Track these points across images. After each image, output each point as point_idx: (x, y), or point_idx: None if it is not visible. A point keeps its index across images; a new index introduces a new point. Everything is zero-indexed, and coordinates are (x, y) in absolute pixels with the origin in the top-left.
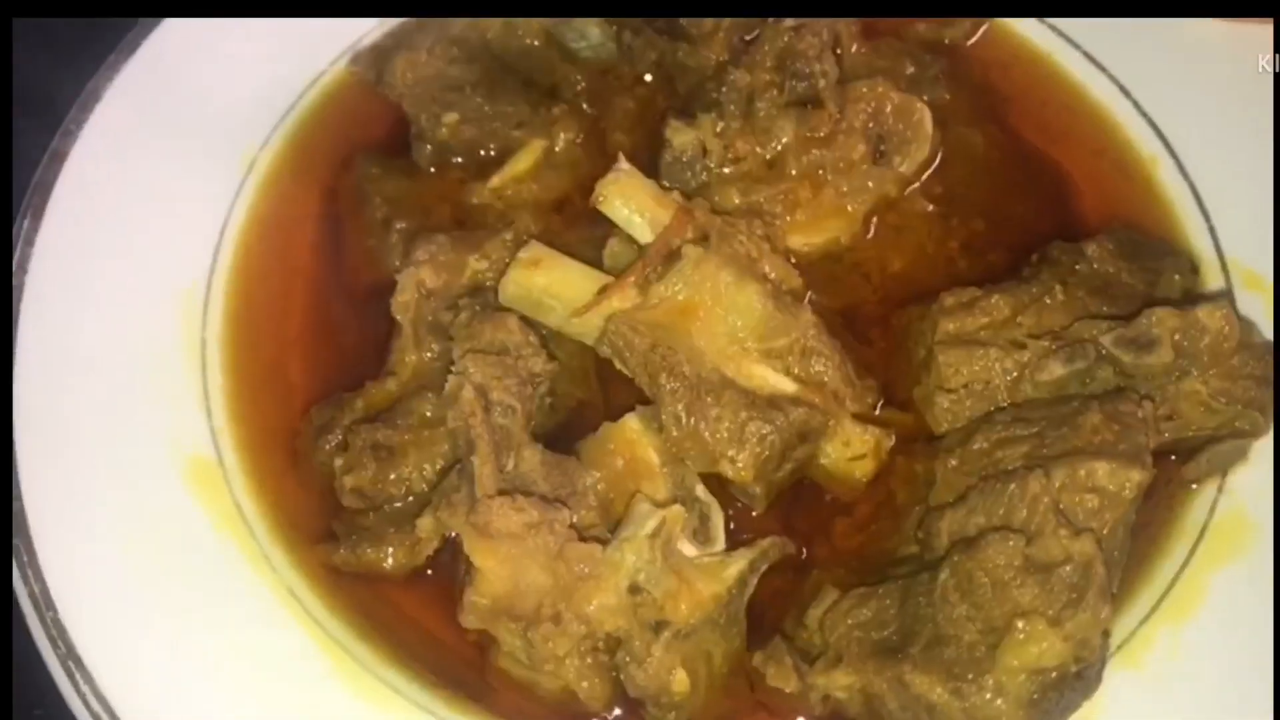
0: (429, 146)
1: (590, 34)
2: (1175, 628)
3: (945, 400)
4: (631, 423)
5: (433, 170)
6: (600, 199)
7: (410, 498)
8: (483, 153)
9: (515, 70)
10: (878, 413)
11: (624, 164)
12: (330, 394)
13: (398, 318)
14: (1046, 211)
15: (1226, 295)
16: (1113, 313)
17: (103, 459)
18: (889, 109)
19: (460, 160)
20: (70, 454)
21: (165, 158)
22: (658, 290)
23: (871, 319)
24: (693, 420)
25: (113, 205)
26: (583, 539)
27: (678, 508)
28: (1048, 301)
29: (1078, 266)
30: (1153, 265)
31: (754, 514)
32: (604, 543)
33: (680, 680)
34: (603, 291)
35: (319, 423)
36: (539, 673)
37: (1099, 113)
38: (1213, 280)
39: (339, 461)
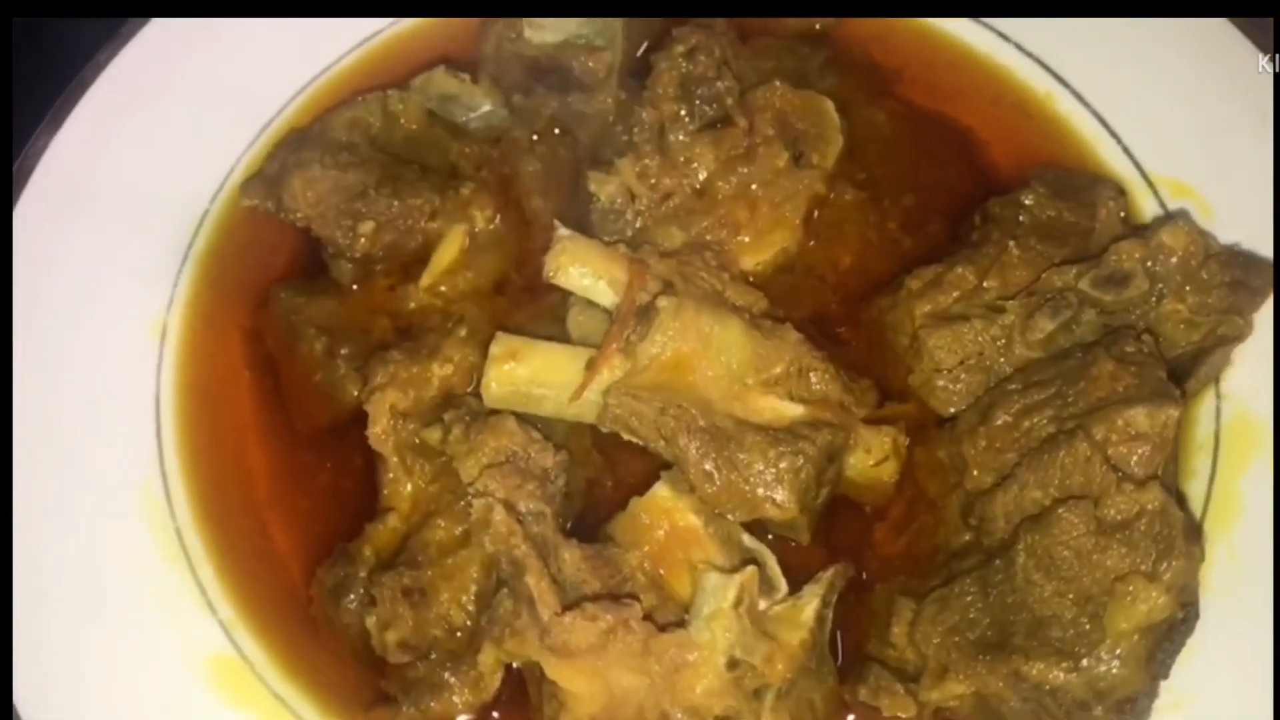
0: (348, 263)
1: (479, 104)
2: (1227, 538)
3: (944, 381)
4: (662, 491)
5: (356, 286)
6: (553, 272)
7: (457, 633)
8: (404, 254)
9: (409, 160)
10: (882, 411)
11: (563, 230)
12: (324, 549)
13: (379, 450)
14: (965, 171)
15: (1180, 213)
16: (1069, 255)
17: (120, 691)
18: (792, 110)
19: (382, 267)
20: (88, 692)
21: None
22: (645, 351)
23: (839, 319)
24: (724, 472)
25: (44, 415)
26: (660, 628)
27: (751, 569)
28: (1006, 260)
29: (1021, 218)
30: (1087, 198)
31: (794, 545)
32: (680, 625)
33: None
34: (590, 367)
35: (331, 584)
36: None
37: (984, 63)
38: (1141, 197)
39: (372, 619)
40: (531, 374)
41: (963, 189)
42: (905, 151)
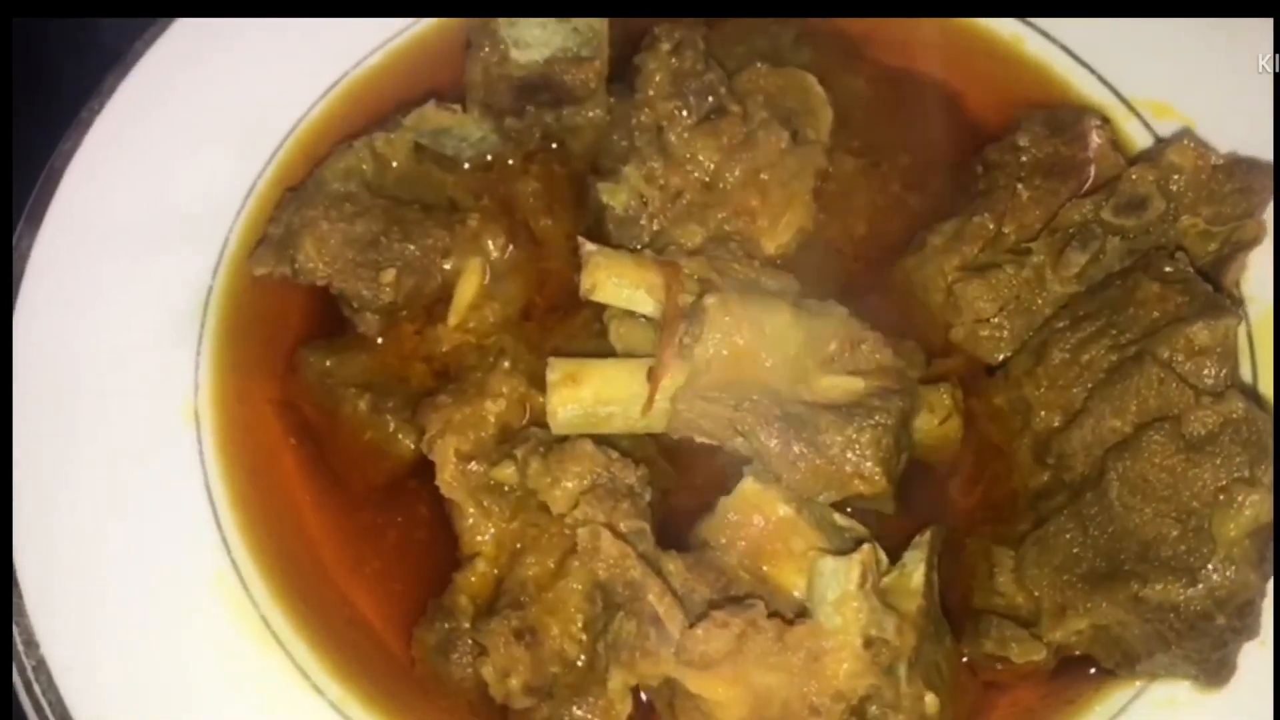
0: (373, 314)
1: (470, 133)
2: None
3: (987, 330)
4: (749, 487)
5: (382, 337)
6: (590, 289)
7: (576, 665)
8: (425, 296)
9: (408, 201)
10: (933, 370)
11: (589, 246)
12: (412, 607)
13: (451, 497)
14: (950, 123)
15: (1184, 131)
16: (1075, 188)
17: None
18: (778, 89)
19: (406, 313)
20: None
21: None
22: (703, 351)
23: (867, 287)
24: (809, 456)
25: (103, 527)
26: (788, 622)
27: (867, 546)
28: (1017, 203)
29: (1022, 159)
30: (1076, 131)
31: (877, 516)
32: (801, 615)
33: (933, 703)
34: (652, 376)
35: (435, 641)
36: None
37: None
38: (1124, 122)
39: (488, 669)
40: (594, 394)
41: (952, 141)
42: (891, 113)
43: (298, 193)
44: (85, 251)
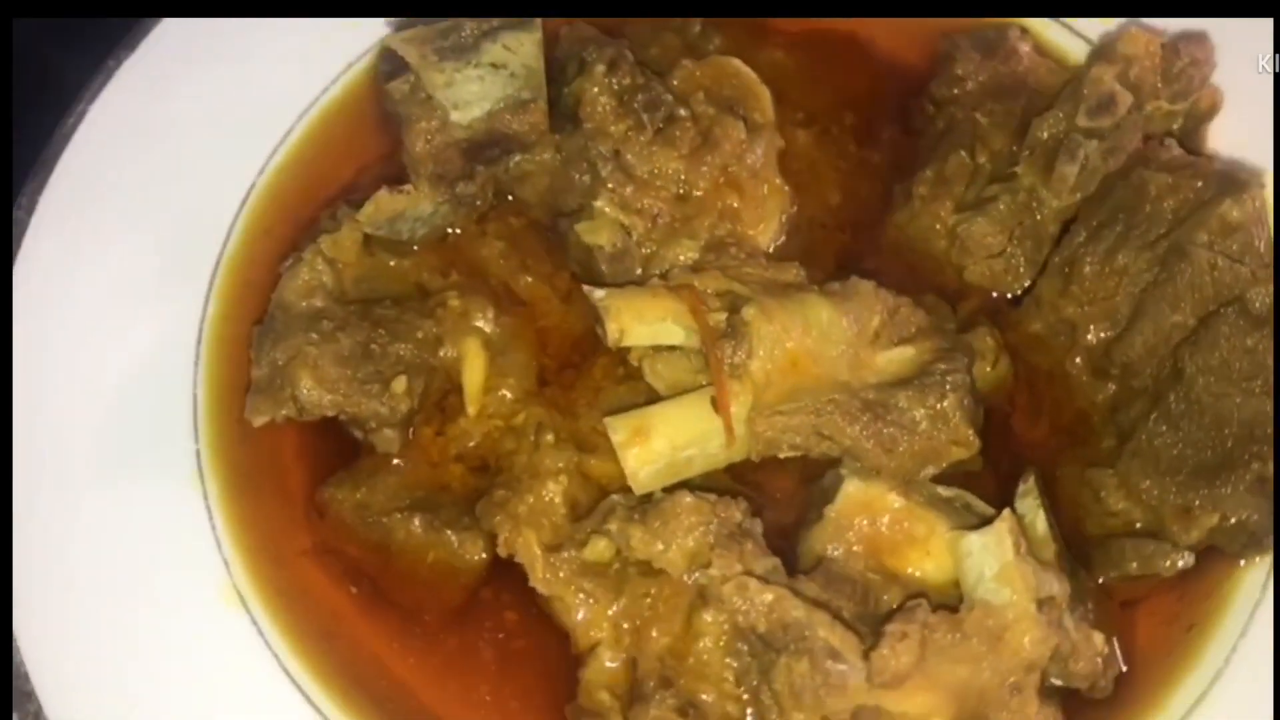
0: (390, 431)
1: (423, 210)
2: None
3: (1002, 263)
4: (853, 487)
5: (398, 458)
6: (617, 337)
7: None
8: (431, 394)
9: (376, 299)
10: (962, 316)
11: (598, 293)
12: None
13: (551, 593)
14: (876, 69)
15: (1124, 22)
16: (1028, 104)
17: None
18: (712, 81)
19: (419, 418)
20: None
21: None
22: (759, 366)
23: (862, 254)
24: (902, 439)
25: None
26: (953, 610)
27: (1007, 512)
28: (980, 131)
29: (968, 88)
30: (1003, 48)
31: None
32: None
33: (1100, 639)
34: (718, 406)
35: None
36: None
37: None
38: (1042, 28)
39: None
40: (668, 442)
41: (884, 88)
42: (819, 76)
43: (266, 326)
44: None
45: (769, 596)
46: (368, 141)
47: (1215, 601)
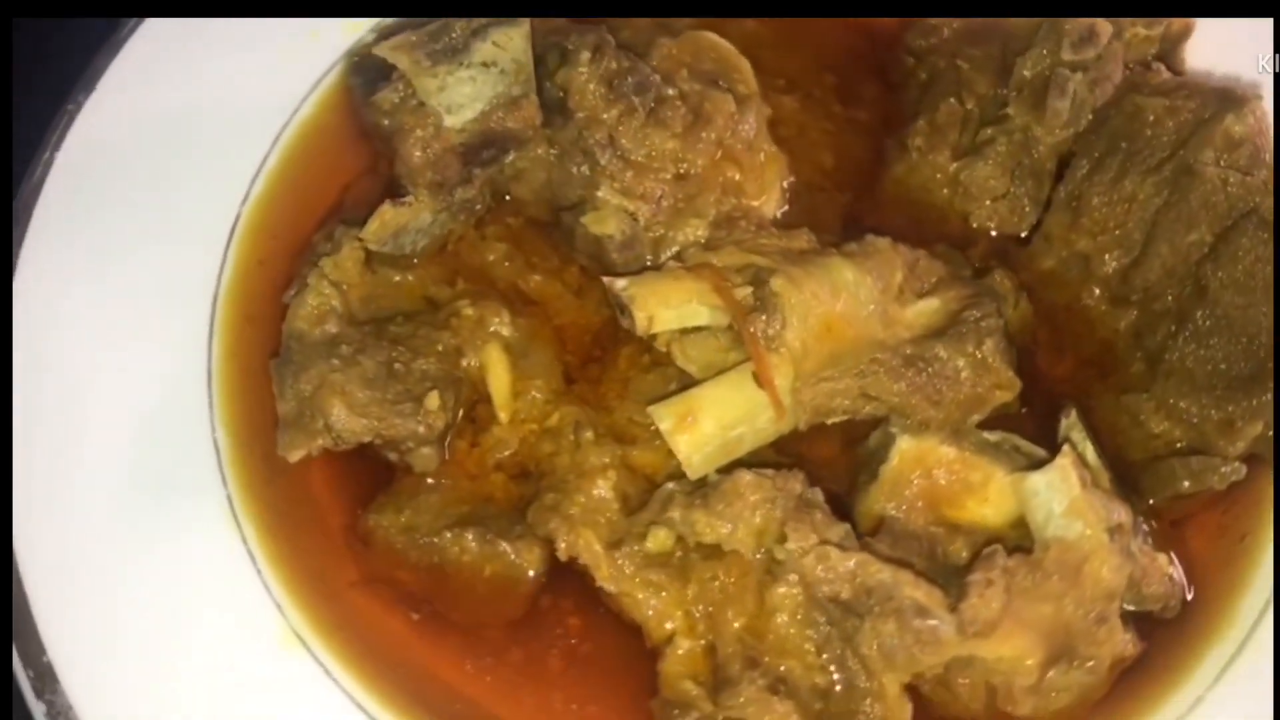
0: (428, 449)
1: (424, 221)
2: None
3: (1007, 205)
4: (906, 444)
5: (433, 477)
6: (646, 324)
7: (835, 689)
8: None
9: (387, 317)
10: (974, 259)
11: (619, 283)
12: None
13: (617, 590)
14: (844, 27)
15: None
16: (1004, 44)
17: None
18: (691, 57)
19: (452, 432)
20: None
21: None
22: (794, 336)
23: (864, 213)
24: (946, 390)
25: None
26: (1025, 551)
27: (1066, 448)
28: (963, 77)
29: (945, 35)
30: None
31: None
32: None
33: (1164, 560)
34: (762, 381)
35: None
36: None
37: None
38: None
39: None
40: (717, 423)
41: (857, 44)
42: (792, 41)
43: (283, 358)
44: None
45: (851, 563)
46: (346, 158)
47: (1265, 508)
